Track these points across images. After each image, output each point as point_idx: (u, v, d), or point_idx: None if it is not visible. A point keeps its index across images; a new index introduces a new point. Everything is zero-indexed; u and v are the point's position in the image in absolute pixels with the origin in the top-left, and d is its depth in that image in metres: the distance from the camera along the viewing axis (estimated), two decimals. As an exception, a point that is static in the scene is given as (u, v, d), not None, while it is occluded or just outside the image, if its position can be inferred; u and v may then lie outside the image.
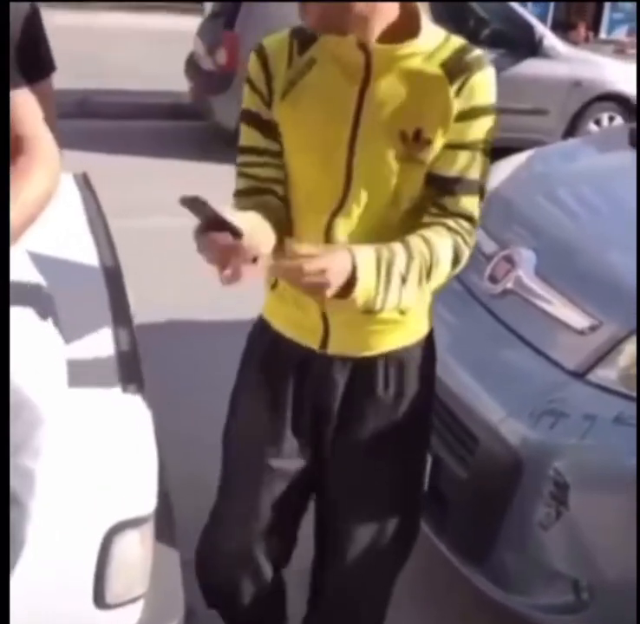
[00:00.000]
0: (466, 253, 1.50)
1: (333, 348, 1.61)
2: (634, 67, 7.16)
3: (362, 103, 1.46)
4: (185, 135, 7.15)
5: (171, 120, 7.51)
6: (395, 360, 1.62)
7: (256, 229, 1.37)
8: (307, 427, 1.67)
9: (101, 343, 1.89)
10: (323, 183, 1.51)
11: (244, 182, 1.59)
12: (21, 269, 1.51)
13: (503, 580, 2.12)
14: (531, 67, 6.81)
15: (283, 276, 1.39)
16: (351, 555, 1.71)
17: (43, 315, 1.51)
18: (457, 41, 1.48)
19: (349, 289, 1.34)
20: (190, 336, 3.68)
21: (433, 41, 1.46)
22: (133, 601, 1.63)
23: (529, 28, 6.95)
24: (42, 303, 1.52)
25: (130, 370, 1.83)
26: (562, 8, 14.06)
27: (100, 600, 1.57)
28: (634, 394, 1.98)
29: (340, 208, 1.50)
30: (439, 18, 1.57)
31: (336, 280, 1.32)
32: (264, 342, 1.70)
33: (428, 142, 1.45)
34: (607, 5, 14.41)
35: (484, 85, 1.45)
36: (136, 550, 1.59)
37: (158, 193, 5.27)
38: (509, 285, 2.36)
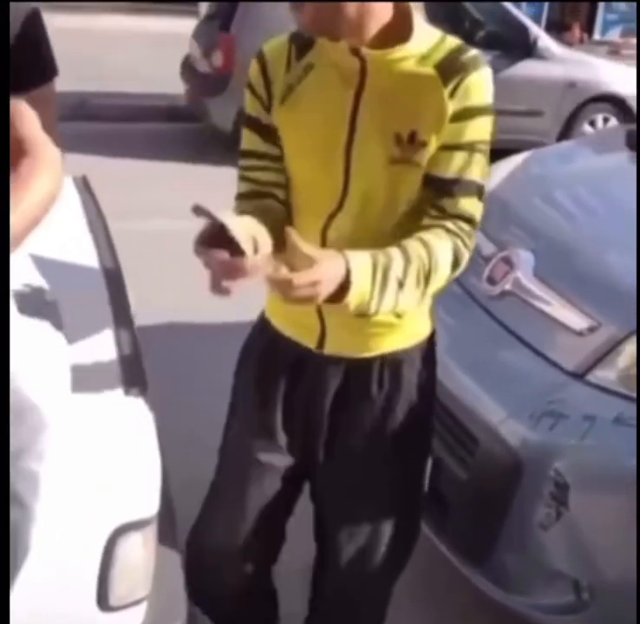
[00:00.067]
0: (466, 256, 1.49)
1: (329, 349, 1.61)
2: (628, 68, 7.18)
3: (357, 107, 1.46)
4: (181, 138, 7.15)
5: (168, 122, 7.50)
6: (391, 362, 1.61)
7: (255, 235, 1.37)
8: (300, 425, 1.67)
9: (102, 346, 1.89)
10: (321, 186, 1.52)
11: (245, 185, 1.60)
12: (23, 273, 1.51)
13: (503, 580, 2.12)
14: (525, 68, 6.81)
15: (273, 289, 1.33)
16: (351, 555, 1.71)
17: (46, 319, 1.52)
18: (453, 41, 1.47)
19: (343, 293, 1.33)
20: (190, 338, 3.68)
21: (427, 42, 1.45)
22: (136, 603, 1.63)
23: (523, 29, 6.95)
24: (46, 308, 1.53)
25: (132, 373, 1.83)
26: (556, 9, 14.06)
27: (103, 602, 1.58)
28: (634, 395, 1.99)
29: (338, 211, 1.51)
30: (434, 20, 1.57)
31: (327, 289, 1.30)
32: (262, 340, 1.70)
33: (423, 144, 1.44)
34: (601, 6, 14.39)
35: (479, 85, 1.44)
36: (139, 553, 1.59)
37: (157, 196, 5.28)
38: (508, 287, 2.36)
